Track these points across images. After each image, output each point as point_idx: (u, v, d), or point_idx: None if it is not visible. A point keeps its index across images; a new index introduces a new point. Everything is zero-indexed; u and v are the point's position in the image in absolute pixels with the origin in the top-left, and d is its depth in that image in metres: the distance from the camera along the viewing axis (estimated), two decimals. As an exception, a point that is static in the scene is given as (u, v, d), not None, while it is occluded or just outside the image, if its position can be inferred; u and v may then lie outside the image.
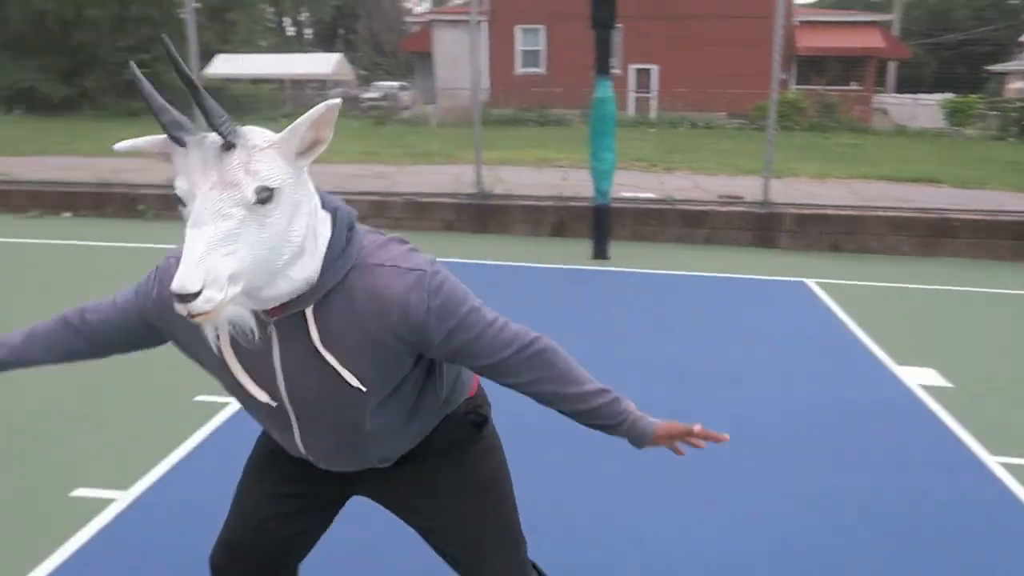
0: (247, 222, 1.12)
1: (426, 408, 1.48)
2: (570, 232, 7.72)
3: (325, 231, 1.28)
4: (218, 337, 1.28)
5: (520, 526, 1.66)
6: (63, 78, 20.19)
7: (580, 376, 1.42)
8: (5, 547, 2.58)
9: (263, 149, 1.15)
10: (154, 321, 1.41)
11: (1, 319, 3.63)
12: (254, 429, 1.65)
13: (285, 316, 1.28)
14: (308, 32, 50.48)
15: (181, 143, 1.13)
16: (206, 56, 24.22)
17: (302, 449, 1.48)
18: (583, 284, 6.27)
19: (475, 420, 1.58)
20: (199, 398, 3.72)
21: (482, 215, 7.96)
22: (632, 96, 22.23)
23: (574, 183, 8.74)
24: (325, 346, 1.29)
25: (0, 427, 3.41)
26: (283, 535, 1.62)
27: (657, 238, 7.69)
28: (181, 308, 1.10)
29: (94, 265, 6.50)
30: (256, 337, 1.25)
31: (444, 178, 9.57)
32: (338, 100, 1.20)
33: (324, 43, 45.27)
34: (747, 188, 8.50)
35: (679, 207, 7.78)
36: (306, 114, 1.17)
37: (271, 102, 23.15)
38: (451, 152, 12.79)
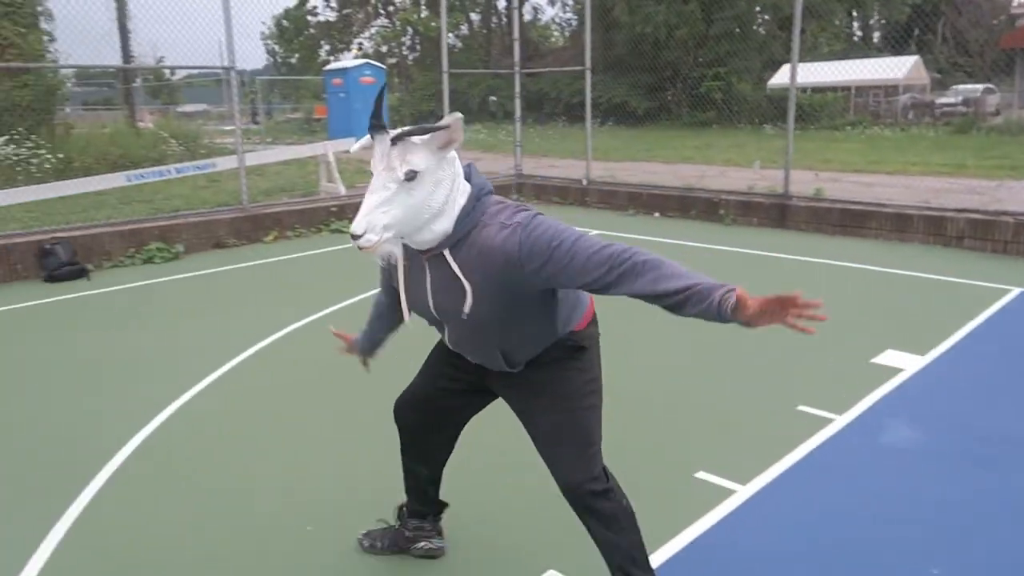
0: (399, 192, 1.76)
1: (545, 330, 2.02)
2: None
3: (462, 200, 1.86)
4: (406, 263, 1.95)
5: (598, 432, 2.12)
6: (648, 93, 22.80)
7: (679, 273, 1.73)
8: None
9: (415, 145, 1.76)
10: (386, 277, 2.15)
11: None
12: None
13: (432, 255, 1.90)
14: (876, 35, 47.60)
15: (373, 139, 1.79)
16: (773, 66, 24.68)
17: (451, 346, 2.13)
18: None
19: (573, 346, 2.08)
20: (802, 408, 3.75)
21: None
22: None
23: None
24: (443, 277, 1.90)
25: (630, 414, 3.89)
26: (448, 403, 2.32)
27: None
28: (354, 243, 1.76)
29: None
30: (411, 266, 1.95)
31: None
32: (459, 115, 1.76)
33: (893, 46, 42.12)
34: None
35: None
36: (430, 128, 1.77)
37: (834, 109, 22.42)
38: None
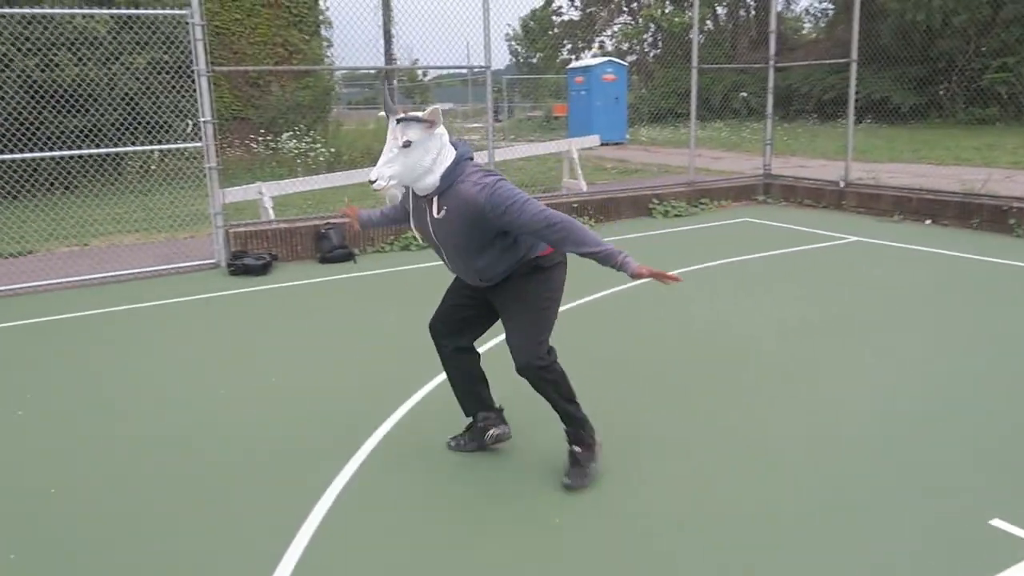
0: (399, 155, 2.70)
1: (509, 257, 2.91)
2: None
3: (447, 162, 2.78)
4: (411, 205, 2.97)
5: (548, 329, 3.01)
6: (916, 87, 20.55)
7: (588, 241, 2.74)
8: (927, 573, 2.55)
9: (411, 124, 2.70)
10: (403, 204, 3.11)
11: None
12: None
13: (429, 199, 2.83)
14: None
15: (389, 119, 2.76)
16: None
17: (451, 268, 3.06)
18: None
19: (536, 267, 2.97)
20: None
21: None
22: None
23: None
24: (438, 213, 2.82)
25: (917, 461, 3.45)
26: (463, 315, 3.20)
27: None
28: (371, 186, 2.75)
29: (957, 277, 6.27)
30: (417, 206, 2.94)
31: None
32: (437, 107, 2.71)
33: None
34: None
35: None
36: (418, 117, 2.71)
37: None
38: None
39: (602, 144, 13.01)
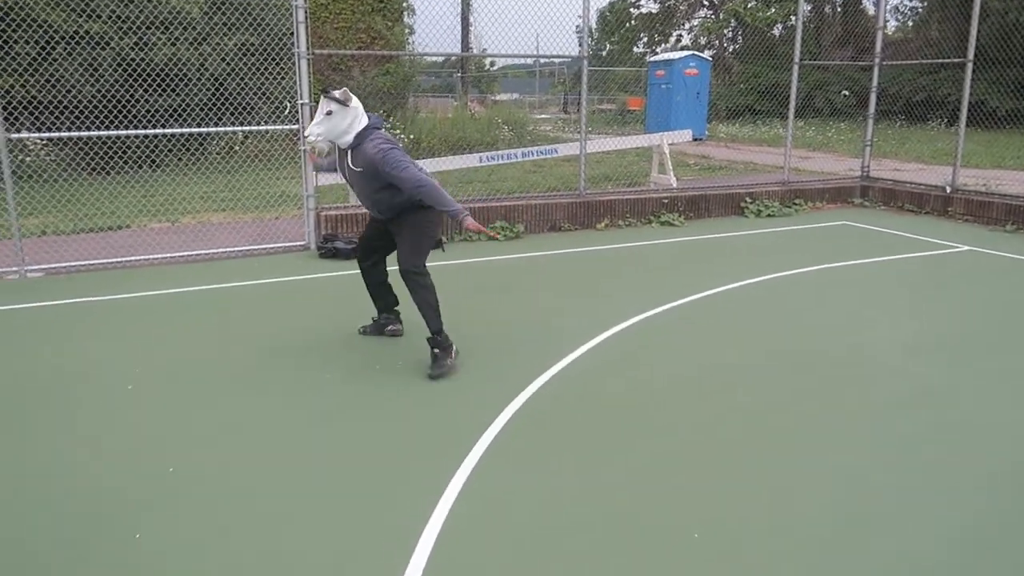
0: (324, 120, 4.02)
1: (398, 201, 4.11)
2: None
3: (359, 127, 4.05)
4: (339, 154, 4.26)
5: (427, 249, 4.27)
6: (1014, 91, 19.57)
7: (442, 202, 3.93)
8: None
9: (334, 100, 3.98)
10: (334, 156, 4.43)
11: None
12: None
13: (347, 150, 4.12)
14: None
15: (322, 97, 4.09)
16: None
17: (360, 202, 4.37)
18: None
19: (420, 206, 4.09)
20: None
21: None
22: None
23: None
24: (353, 164, 4.10)
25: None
26: (375, 243, 4.50)
27: None
28: (306, 140, 4.29)
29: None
30: (340, 156, 4.26)
31: None
32: (346, 89, 4.04)
33: None
34: None
35: None
36: (338, 96, 3.99)
37: None
38: None
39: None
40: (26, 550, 2.58)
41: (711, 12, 26.61)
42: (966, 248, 7.42)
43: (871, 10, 29.55)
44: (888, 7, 34.47)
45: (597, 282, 6.16)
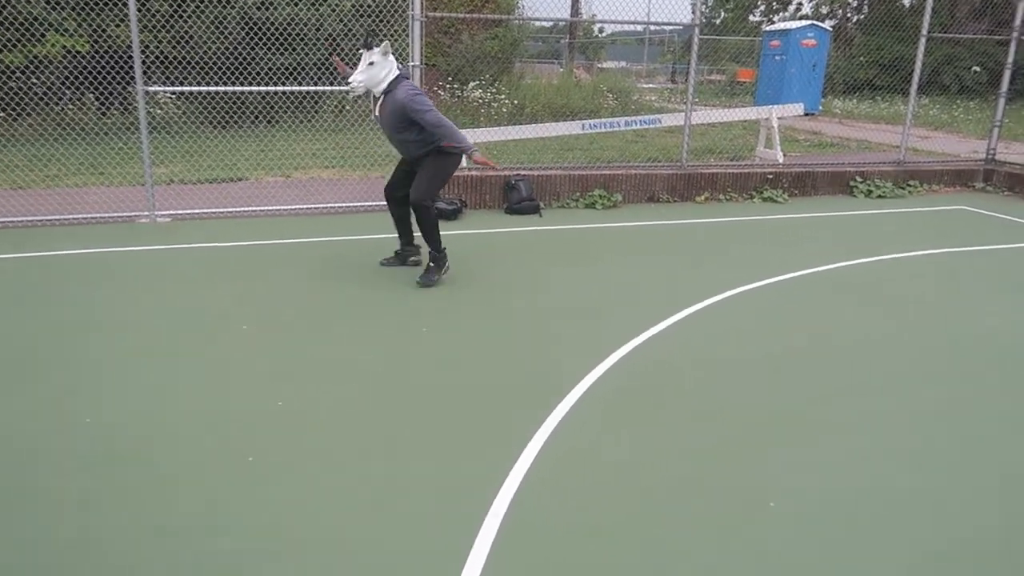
0: (366, 69, 4.88)
1: (422, 142, 4.94)
2: None
3: (391, 76, 4.91)
4: (374, 101, 5.11)
5: (438, 187, 5.19)
6: None
7: (456, 139, 4.86)
8: None
9: (374, 52, 4.85)
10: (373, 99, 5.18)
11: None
12: None
13: (382, 95, 4.97)
14: None
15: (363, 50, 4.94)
16: None
17: (391, 142, 5.16)
18: None
19: (440, 150, 4.96)
20: None
21: None
22: None
23: None
24: (383, 107, 4.96)
25: None
26: (402, 178, 5.27)
27: None
28: (348, 86, 4.97)
29: None
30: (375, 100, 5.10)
31: None
32: (387, 42, 4.88)
33: None
34: None
35: None
36: (381, 49, 4.85)
37: None
38: None
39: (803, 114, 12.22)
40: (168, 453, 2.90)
41: (836, -21, 25.26)
42: (1097, 241, 6.94)
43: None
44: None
45: (694, 254, 6.14)
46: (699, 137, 11.92)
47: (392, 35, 11.98)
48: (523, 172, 7.67)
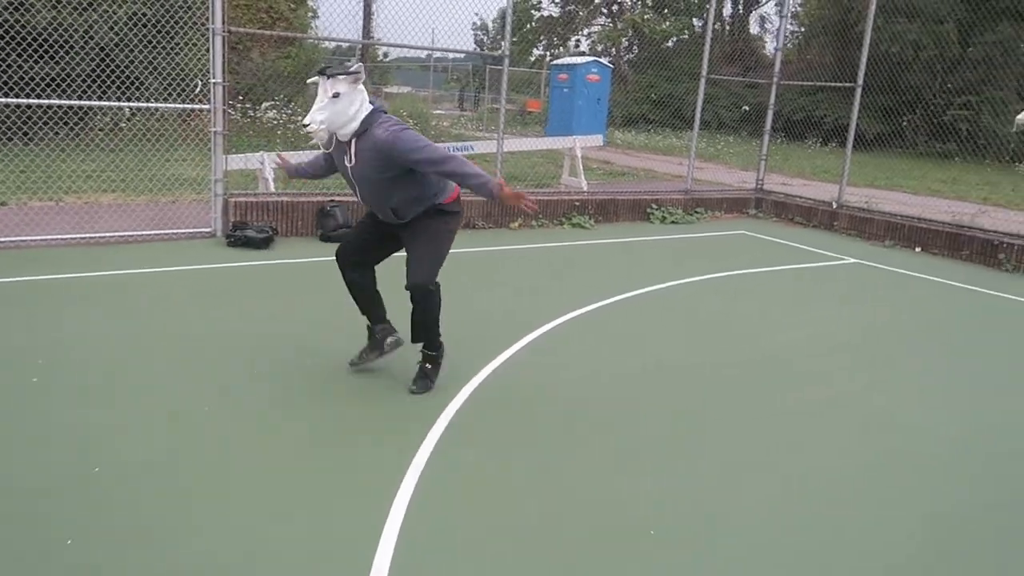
0: (328, 104, 3.32)
1: (414, 199, 3.56)
2: None
3: (364, 112, 3.40)
4: (337, 148, 3.54)
5: (443, 261, 3.70)
6: (882, 117, 21.15)
7: (472, 173, 3.37)
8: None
9: (338, 79, 3.32)
10: (328, 153, 3.65)
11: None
12: None
13: (349, 141, 3.43)
14: None
15: (320, 77, 3.39)
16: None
17: (362, 201, 3.68)
18: None
19: (442, 211, 3.65)
20: None
21: None
22: None
23: None
24: (356, 156, 3.46)
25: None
26: (373, 245, 3.80)
27: None
28: (304, 129, 3.38)
29: (957, 305, 6.41)
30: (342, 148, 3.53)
31: None
32: (361, 64, 3.38)
33: None
34: None
35: None
36: (343, 71, 3.35)
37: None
38: None
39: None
40: None
41: (609, 20, 27.28)
42: (852, 260, 7.96)
43: (754, 29, 31.18)
44: (773, 29, 36.30)
45: (520, 281, 6.19)
46: (502, 165, 12.20)
47: (183, 50, 11.08)
48: (338, 198, 7.35)
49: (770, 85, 10.77)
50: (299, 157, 8.39)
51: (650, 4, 25.80)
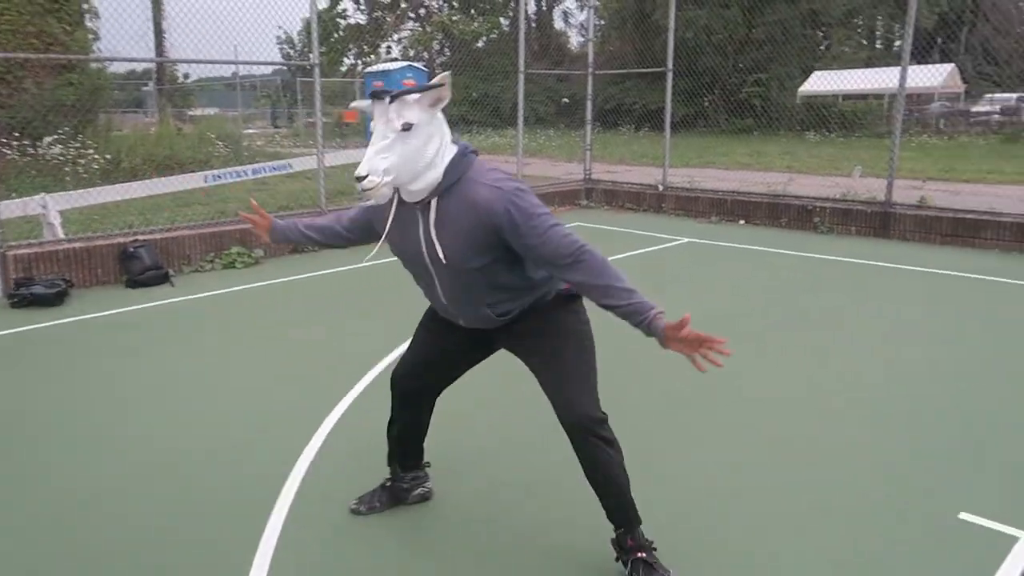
0: (396, 141, 2.02)
1: (518, 286, 2.24)
2: None
3: (449, 155, 2.11)
4: (392, 208, 2.21)
5: (596, 380, 2.29)
6: (685, 99, 22.38)
7: (616, 294, 2.03)
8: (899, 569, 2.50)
9: (409, 103, 2.03)
10: (368, 216, 2.41)
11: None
12: None
13: (425, 202, 2.13)
14: (897, 44, 47.25)
15: (373, 100, 2.06)
16: (805, 73, 24.33)
17: (444, 301, 2.30)
18: None
19: (568, 296, 2.33)
20: None
21: None
22: None
23: None
24: (437, 227, 2.12)
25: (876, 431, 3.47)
26: (441, 371, 2.57)
27: None
28: (358, 184, 2.01)
29: (773, 264, 6.71)
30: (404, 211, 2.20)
31: None
32: (447, 73, 2.07)
33: (917, 54, 41.65)
34: None
35: None
36: (423, 88, 2.03)
37: (877, 117, 22.01)
38: None
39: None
40: None
41: (418, 24, 27.06)
42: (686, 240, 8.17)
43: (559, 25, 32.18)
44: (575, 23, 37.53)
45: (353, 306, 5.77)
46: (326, 180, 11.57)
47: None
48: (142, 237, 6.55)
49: (586, 76, 10.92)
50: (99, 197, 7.45)
51: (456, 5, 25.82)
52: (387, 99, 2.03)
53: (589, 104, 10.90)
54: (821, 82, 25.71)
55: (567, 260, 2.05)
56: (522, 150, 14.81)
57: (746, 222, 9.08)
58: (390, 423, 2.72)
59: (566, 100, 23.76)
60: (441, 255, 2.14)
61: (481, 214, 2.07)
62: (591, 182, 10.88)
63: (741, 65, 22.61)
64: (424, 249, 2.19)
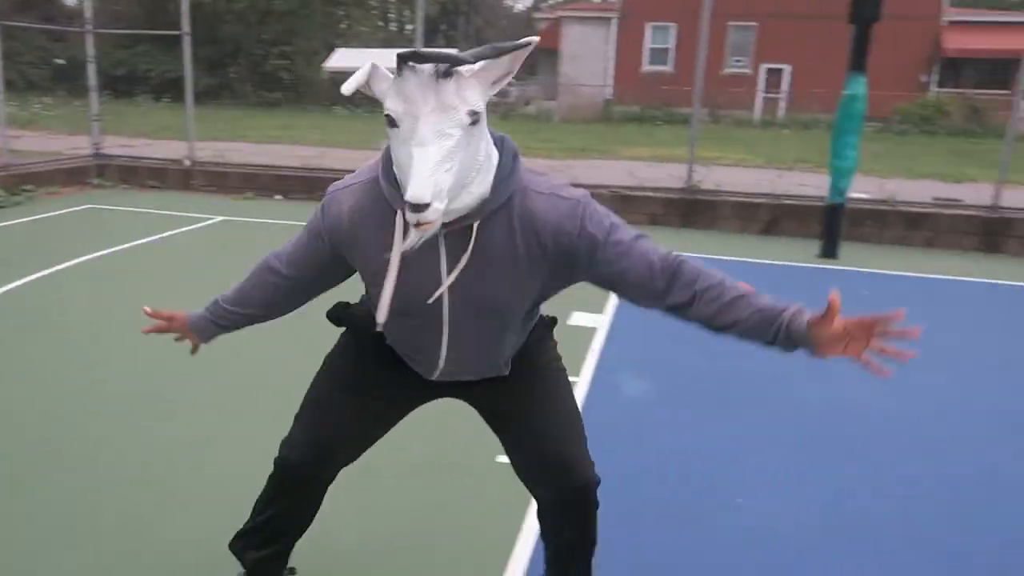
0: (462, 141, 1.26)
1: (528, 318, 1.62)
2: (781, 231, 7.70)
3: (495, 154, 1.40)
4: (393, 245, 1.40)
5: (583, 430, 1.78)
6: (208, 69, 21.09)
7: (733, 297, 1.45)
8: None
9: (468, 78, 1.26)
10: (329, 245, 1.52)
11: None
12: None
13: (456, 228, 1.38)
14: (409, 28, 51.40)
15: (400, 71, 1.24)
16: (329, 49, 24.98)
17: (441, 363, 1.59)
18: (818, 282, 6.22)
19: (547, 321, 1.77)
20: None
21: (690, 210, 7.99)
22: (760, 97, 21.85)
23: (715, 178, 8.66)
24: (476, 263, 1.41)
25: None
26: (367, 426, 1.79)
27: (873, 239, 7.57)
28: (412, 217, 1.23)
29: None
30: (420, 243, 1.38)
31: (614, 172, 9.64)
32: (535, 38, 1.29)
33: (427, 40, 45.83)
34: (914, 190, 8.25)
35: (900, 208, 7.65)
36: (508, 48, 1.26)
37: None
38: (601, 147, 12.83)
39: None
40: None
41: None
42: (220, 219, 7.68)
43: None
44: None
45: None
46: None
47: None
48: None
49: (84, 35, 9.48)
50: None
51: None
52: (438, 69, 1.24)
53: (91, 68, 9.50)
54: (344, 59, 26.57)
55: (662, 281, 1.45)
56: (12, 122, 12.41)
57: (284, 197, 8.92)
58: (279, 502, 1.86)
59: (62, 61, 20.54)
60: (482, 303, 1.47)
61: (545, 238, 1.42)
62: (103, 157, 9.57)
63: (265, 36, 22.10)
64: (446, 295, 1.47)
